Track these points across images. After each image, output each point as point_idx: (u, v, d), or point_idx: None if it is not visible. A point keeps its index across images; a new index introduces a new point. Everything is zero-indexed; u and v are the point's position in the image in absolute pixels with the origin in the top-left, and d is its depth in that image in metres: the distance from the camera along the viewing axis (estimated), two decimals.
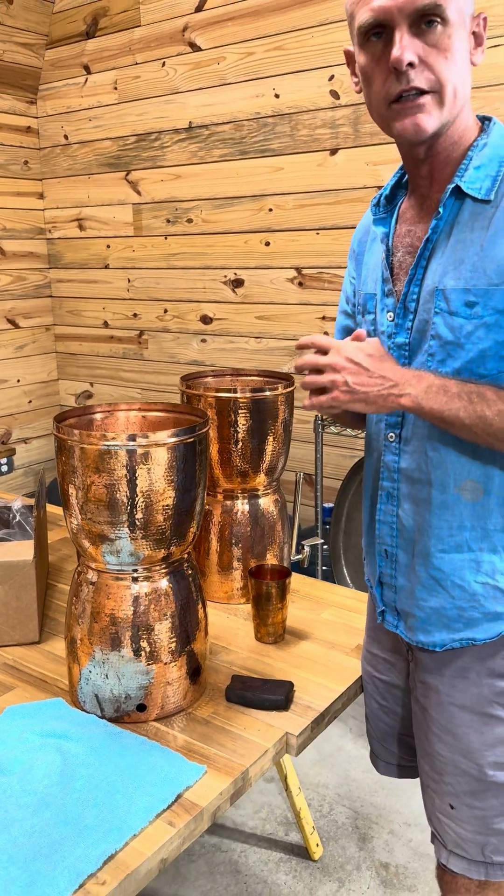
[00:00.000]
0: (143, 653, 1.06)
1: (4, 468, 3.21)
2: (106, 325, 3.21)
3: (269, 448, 1.39)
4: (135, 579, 1.07)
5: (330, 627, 1.34)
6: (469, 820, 1.01)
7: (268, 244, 2.64)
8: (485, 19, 0.90)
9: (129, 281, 3.08)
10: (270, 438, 1.39)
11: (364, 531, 1.10)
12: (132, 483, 1.00)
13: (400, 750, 1.19)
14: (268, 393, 1.36)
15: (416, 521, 0.99)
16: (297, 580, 1.52)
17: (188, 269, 2.88)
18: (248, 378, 1.50)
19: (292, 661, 1.23)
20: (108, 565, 1.06)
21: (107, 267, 3.14)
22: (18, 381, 3.28)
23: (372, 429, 1.06)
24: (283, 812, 1.87)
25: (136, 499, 1.01)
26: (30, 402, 3.33)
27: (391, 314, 0.98)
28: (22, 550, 1.28)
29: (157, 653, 1.07)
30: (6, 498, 1.52)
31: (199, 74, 2.68)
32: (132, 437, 0.99)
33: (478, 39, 0.90)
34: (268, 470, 1.42)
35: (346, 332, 1.15)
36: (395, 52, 0.84)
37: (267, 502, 1.44)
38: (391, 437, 1.00)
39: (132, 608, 1.06)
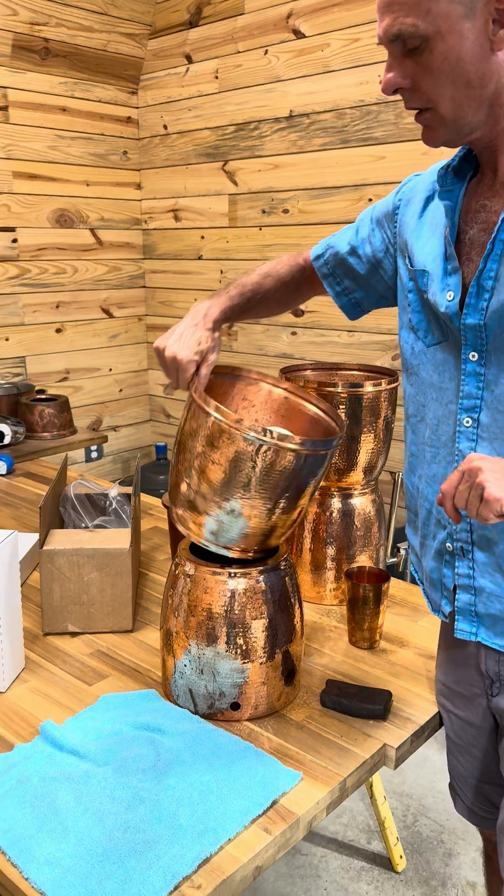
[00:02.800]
0: (238, 650, 1.04)
1: (95, 454, 3.27)
2: None
3: (368, 446, 1.35)
4: (231, 575, 1.04)
5: (428, 636, 1.28)
6: None
7: None
8: None
9: (221, 272, 3.07)
10: (371, 436, 1.34)
11: (420, 525, 1.03)
12: (251, 474, 0.97)
13: (475, 797, 1.09)
14: (370, 388, 1.31)
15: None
16: (393, 585, 1.47)
17: None
18: (349, 372, 1.45)
19: (389, 669, 1.18)
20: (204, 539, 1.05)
21: (200, 258, 3.14)
22: (111, 369, 3.33)
23: (439, 411, 0.96)
24: (364, 819, 1.82)
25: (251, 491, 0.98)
26: (120, 390, 3.38)
27: (451, 293, 0.91)
28: (119, 538, 1.28)
29: (252, 651, 1.04)
30: (103, 485, 1.53)
31: (302, 62, 2.63)
32: (268, 432, 0.96)
33: (501, 21, 0.80)
34: (366, 468, 1.37)
35: (336, 259, 1.13)
36: (383, 80, 0.86)
37: (364, 502, 1.39)
38: (467, 422, 0.92)
39: (229, 604, 1.04)
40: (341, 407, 1.31)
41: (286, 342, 2.91)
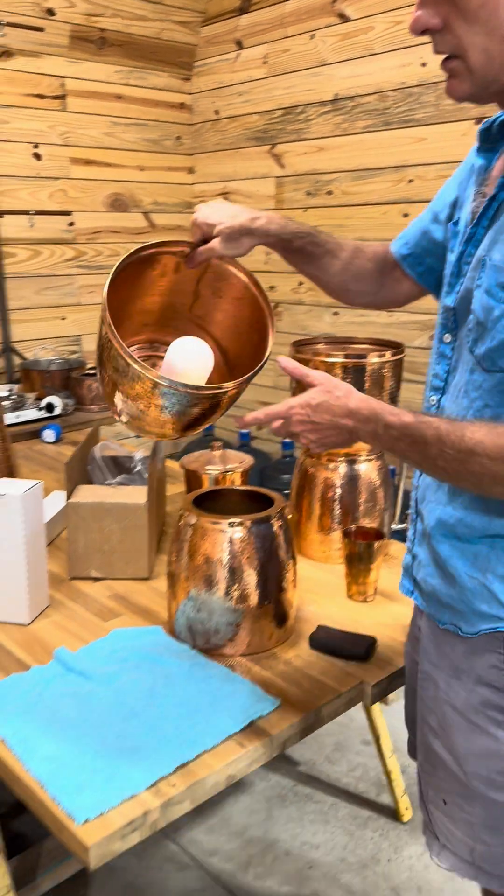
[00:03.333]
0: (233, 593, 1.14)
1: None
2: None
3: None
4: (230, 524, 1.15)
5: None
6: (459, 821, 0.96)
7: (406, 215, 2.62)
8: None
9: (267, 254, 3.15)
10: None
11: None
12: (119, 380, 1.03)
13: (412, 734, 1.13)
14: (375, 360, 1.39)
15: (428, 493, 0.94)
16: (398, 547, 1.54)
17: None
18: (360, 346, 1.53)
19: (379, 620, 1.27)
20: None
21: None
22: None
23: (430, 381, 0.98)
24: (377, 774, 1.91)
25: None
26: None
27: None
28: (137, 495, 1.40)
29: (245, 595, 1.15)
30: (131, 449, 1.65)
31: (347, 45, 2.68)
32: (124, 351, 0.98)
33: None
34: None
35: (418, 233, 1.08)
36: (412, 18, 0.78)
37: (370, 468, 1.47)
38: (432, 399, 0.94)
39: (225, 552, 1.14)
40: (346, 379, 1.39)
41: (328, 322, 2.98)
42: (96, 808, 0.86)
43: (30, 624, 1.25)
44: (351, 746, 2.02)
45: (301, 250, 1.12)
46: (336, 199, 2.84)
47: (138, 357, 1.14)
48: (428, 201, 1.13)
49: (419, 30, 0.79)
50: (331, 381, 0.94)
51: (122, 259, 1.03)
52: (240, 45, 3.07)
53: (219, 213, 1.06)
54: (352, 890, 1.59)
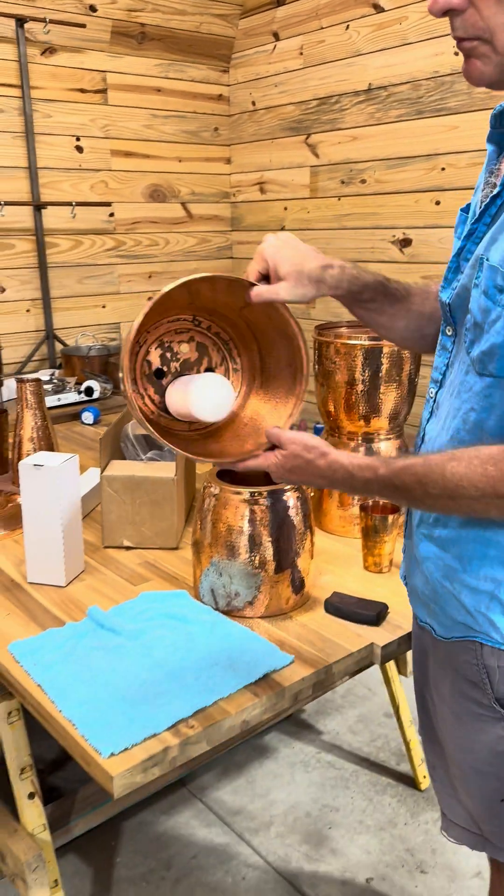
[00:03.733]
0: (252, 560, 1.22)
1: None
2: None
3: (392, 395, 1.48)
4: (251, 495, 1.23)
5: None
6: (466, 795, 0.98)
7: (438, 203, 2.66)
8: None
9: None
10: (394, 386, 1.48)
11: None
12: None
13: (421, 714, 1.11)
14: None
15: None
16: None
17: (358, 230, 2.96)
18: None
19: (392, 589, 1.33)
20: None
21: (283, 228, 3.29)
22: None
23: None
24: (398, 745, 1.98)
25: None
26: None
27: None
28: (166, 469, 1.48)
29: (264, 562, 1.22)
30: None
31: (382, 35, 2.72)
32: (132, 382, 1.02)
33: None
34: (391, 416, 1.51)
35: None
36: None
37: (388, 447, 1.54)
38: (431, 391, 0.92)
39: (246, 521, 1.22)
40: (367, 359, 1.46)
41: None
42: (121, 743, 0.95)
43: (66, 586, 1.35)
44: (374, 718, 2.09)
45: (371, 301, 1.01)
46: (369, 187, 2.88)
47: (174, 329, 1.18)
48: (459, 189, 1.09)
49: (441, 11, 0.73)
50: (300, 442, 0.95)
51: (163, 290, 0.96)
52: (276, 36, 3.12)
53: (287, 252, 0.95)
54: (368, 850, 1.66)
